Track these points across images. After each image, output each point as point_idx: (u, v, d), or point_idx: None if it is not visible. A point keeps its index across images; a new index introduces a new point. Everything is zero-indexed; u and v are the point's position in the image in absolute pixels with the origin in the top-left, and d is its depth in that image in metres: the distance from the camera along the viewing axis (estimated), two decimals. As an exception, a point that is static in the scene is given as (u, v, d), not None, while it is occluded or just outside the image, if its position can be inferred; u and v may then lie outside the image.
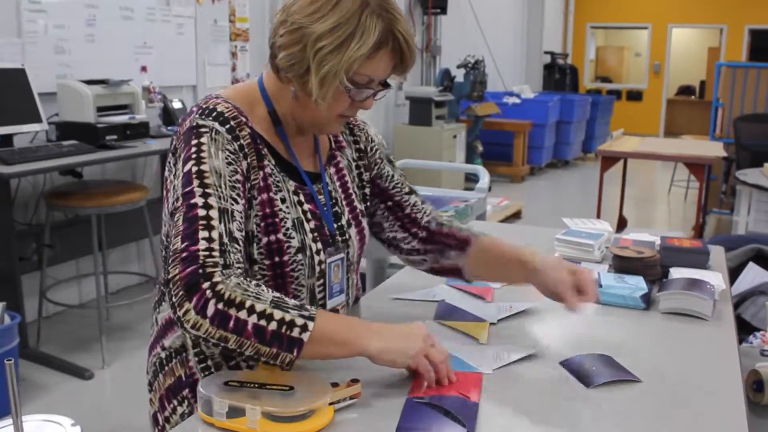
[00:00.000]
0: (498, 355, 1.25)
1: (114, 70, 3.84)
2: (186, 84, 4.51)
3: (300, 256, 1.22)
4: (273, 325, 1.02)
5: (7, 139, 3.13)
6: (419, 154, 6.47)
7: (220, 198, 1.11)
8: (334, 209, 1.31)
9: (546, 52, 11.50)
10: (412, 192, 1.45)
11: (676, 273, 1.62)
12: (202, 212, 1.08)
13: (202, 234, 1.06)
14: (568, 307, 1.29)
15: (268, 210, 1.20)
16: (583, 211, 6.33)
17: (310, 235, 1.23)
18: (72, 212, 3.42)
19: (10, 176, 2.87)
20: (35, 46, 3.48)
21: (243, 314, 1.02)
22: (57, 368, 3.12)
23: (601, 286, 1.55)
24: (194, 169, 1.11)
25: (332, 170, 1.34)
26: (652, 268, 1.65)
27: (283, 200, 1.22)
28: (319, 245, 1.25)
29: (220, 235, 1.08)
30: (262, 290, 1.06)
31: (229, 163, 1.15)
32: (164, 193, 1.19)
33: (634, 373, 1.19)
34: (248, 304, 1.03)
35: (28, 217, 3.50)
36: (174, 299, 1.03)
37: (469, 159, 7.45)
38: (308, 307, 1.08)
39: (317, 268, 1.25)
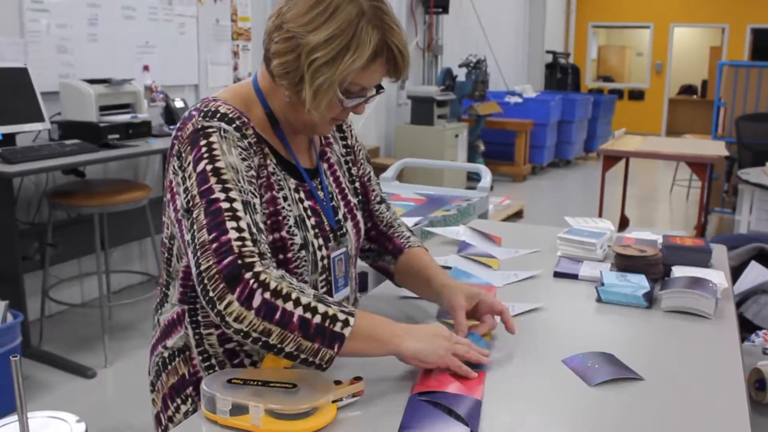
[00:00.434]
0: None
1: (116, 70, 3.85)
2: (188, 83, 4.52)
3: (303, 253, 1.23)
4: (318, 318, 1.02)
5: (10, 138, 3.13)
6: (421, 153, 6.47)
7: (240, 191, 1.10)
8: (331, 204, 1.33)
9: (548, 52, 11.49)
10: (381, 200, 1.51)
11: (679, 271, 1.62)
12: (225, 205, 1.07)
13: (230, 224, 1.04)
14: (456, 329, 1.26)
15: (271, 208, 1.20)
16: (584, 211, 6.33)
17: (311, 232, 1.24)
18: (74, 211, 3.43)
19: (13, 175, 2.87)
20: (38, 46, 3.48)
21: (290, 306, 1.01)
22: (59, 367, 3.13)
23: (603, 284, 1.55)
24: (209, 167, 1.10)
25: (325, 166, 1.37)
26: (655, 267, 1.65)
27: (285, 198, 1.22)
28: (321, 241, 1.26)
29: (249, 225, 1.06)
30: (303, 284, 1.06)
31: (243, 159, 1.14)
32: (167, 197, 1.18)
33: (636, 371, 1.19)
34: (294, 295, 1.02)
35: (30, 216, 3.50)
36: (212, 293, 1.00)
37: (471, 158, 7.44)
38: (345, 303, 1.10)
39: (320, 264, 1.26)
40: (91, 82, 3.47)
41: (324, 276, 1.28)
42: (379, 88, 1.23)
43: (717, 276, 1.61)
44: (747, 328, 2.11)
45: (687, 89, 14.93)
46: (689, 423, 1.04)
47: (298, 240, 1.22)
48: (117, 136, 3.47)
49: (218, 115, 1.16)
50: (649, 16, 13.58)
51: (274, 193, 1.21)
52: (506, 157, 8.26)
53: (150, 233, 3.55)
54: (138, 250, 4.29)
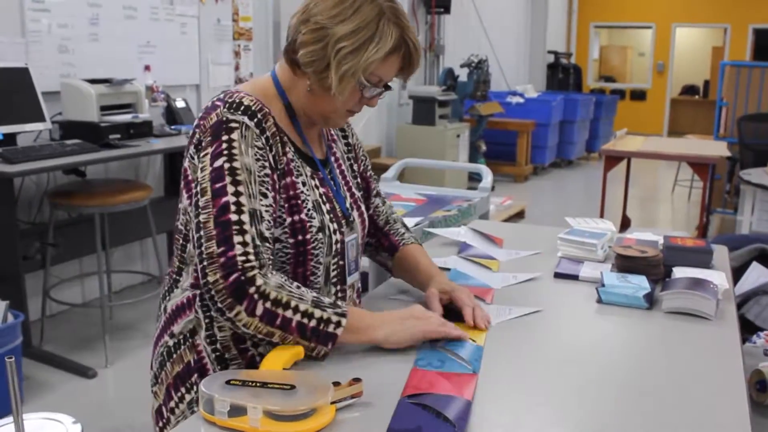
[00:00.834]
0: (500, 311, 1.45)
1: (117, 69, 3.85)
2: (189, 83, 4.52)
3: (320, 235, 1.31)
4: (313, 323, 1.16)
5: (11, 138, 3.13)
6: (422, 153, 6.47)
7: (250, 197, 1.19)
8: (341, 193, 1.41)
9: (549, 52, 11.49)
10: (377, 194, 1.61)
11: (680, 272, 1.62)
12: (234, 217, 1.17)
13: (237, 239, 1.15)
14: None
15: (291, 192, 1.29)
16: (586, 211, 6.33)
17: (327, 216, 1.33)
18: (75, 211, 3.43)
19: (14, 175, 2.87)
20: (39, 45, 3.48)
21: (289, 313, 1.15)
22: (60, 367, 3.13)
23: (603, 285, 1.55)
24: (226, 165, 1.19)
25: (332, 159, 1.45)
26: (655, 268, 1.65)
27: (303, 183, 1.31)
28: (335, 225, 1.35)
29: (253, 238, 1.17)
30: (303, 290, 1.19)
31: (258, 159, 1.23)
32: (183, 182, 1.27)
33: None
34: (293, 304, 1.16)
35: (31, 216, 3.50)
36: (221, 304, 1.14)
37: (473, 158, 7.44)
38: (340, 303, 1.21)
39: (334, 247, 1.35)
40: (92, 81, 3.47)
41: (336, 259, 1.37)
42: (388, 87, 1.33)
43: (718, 277, 1.60)
44: (748, 329, 2.11)
45: (689, 89, 14.92)
46: (690, 424, 1.03)
47: (316, 223, 1.30)
48: (118, 136, 3.47)
49: (242, 107, 1.24)
50: (651, 16, 13.57)
51: (293, 178, 1.30)
52: (508, 158, 8.26)
53: (151, 233, 3.55)
54: (139, 250, 4.29)
